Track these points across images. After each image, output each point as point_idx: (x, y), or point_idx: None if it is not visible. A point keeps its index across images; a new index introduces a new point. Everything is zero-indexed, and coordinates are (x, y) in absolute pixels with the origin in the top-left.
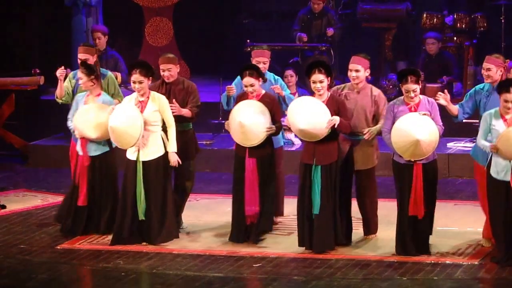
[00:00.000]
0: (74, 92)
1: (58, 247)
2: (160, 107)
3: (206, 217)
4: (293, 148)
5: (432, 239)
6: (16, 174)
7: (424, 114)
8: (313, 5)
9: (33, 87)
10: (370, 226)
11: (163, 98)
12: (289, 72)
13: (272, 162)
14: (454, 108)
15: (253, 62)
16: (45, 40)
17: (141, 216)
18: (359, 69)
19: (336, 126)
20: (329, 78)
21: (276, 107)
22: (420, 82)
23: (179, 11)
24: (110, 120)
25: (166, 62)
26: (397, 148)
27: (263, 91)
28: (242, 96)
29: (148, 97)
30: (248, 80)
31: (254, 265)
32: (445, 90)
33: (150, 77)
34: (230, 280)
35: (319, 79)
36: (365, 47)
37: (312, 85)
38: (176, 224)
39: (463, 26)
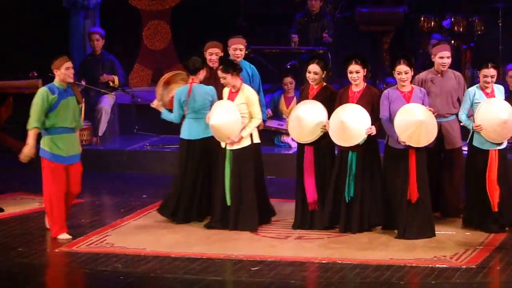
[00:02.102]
0: (54, 108)
1: (56, 250)
2: (248, 100)
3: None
4: (290, 152)
5: (430, 243)
6: (14, 177)
7: (430, 110)
8: (310, 2)
9: (31, 90)
10: (448, 208)
11: (251, 91)
12: (288, 80)
13: (331, 151)
14: None
15: (231, 49)
16: (43, 43)
17: (228, 202)
18: (449, 56)
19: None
20: (365, 70)
21: (335, 100)
22: (412, 68)
23: (176, 14)
24: (211, 118)
25: (214, 46)
26: (398, 127)
27: (324, 83)
28: (305, 88)
29: (238, 90)
30: (313, 67)
31: (251, 269)
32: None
33: (234, 73)
34: (228, 283)
35: (355, 69)
36: (363, 50)
37: (349, 75)
38: (257, 216)
39: (461, 29)
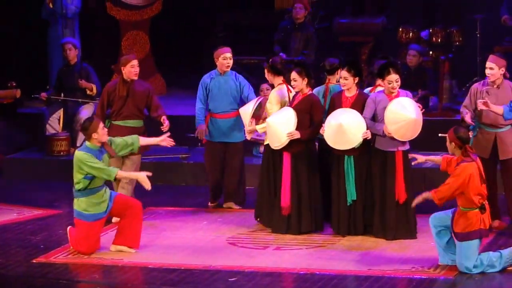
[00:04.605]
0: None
1: (34, 261)
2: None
3: (182, 231)
4: None
5: (408, 254)
6: None
7: (419, 106)
8: (294, 10)
9: (9, 100)
10: None
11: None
12: (265, 86)
13: (308, 157)
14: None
15: (220, 59)
16: (22, 53)
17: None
18: (493, 67)
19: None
20: (356, 78)
21: (315, 109)
22: (400, 74)
23: (155, 25)
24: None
25: (135, 58)
26: (388, 118)
27: (310, 92)
28: (293, 96)
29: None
30: (292, 74)
31: (229, 279)
32: (483, 97)
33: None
34: None
35: (343, 75)
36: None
37: (340, 80)
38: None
39: (439, 40)
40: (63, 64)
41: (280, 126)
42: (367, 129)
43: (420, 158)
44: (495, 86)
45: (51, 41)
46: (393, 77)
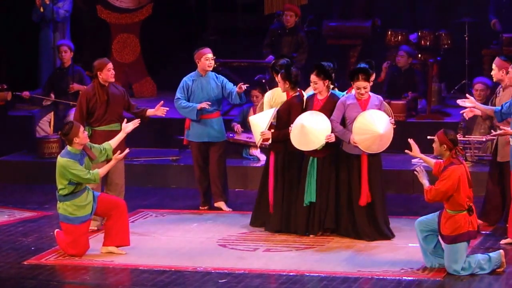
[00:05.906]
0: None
1: (25, 263)
2: None
3: (172, 232)
4: (258, 164)
5: (397, 255)
6: None
7: (391, 123)
8: (285, 17)
9: (0, 103)
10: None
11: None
12: (255, 93)
13: (287, 157)
14: (489, 109)
15: (203, 60)
16: (13, 56)
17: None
18: (493, 68)
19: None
20: (325, 81)
21: (292, 110)
22: (370, 80)
23: (146, 28)
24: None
25: (109, 61)
26: (355, 127)
27: (295, 94)
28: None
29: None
30: (277, 79)
31: (219, 281)
32: (467, 94)
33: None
34: None
35: (313, 80)
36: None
37: (310, 84)
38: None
39: (428, 43)
40: (55, 67)
41: (257, 125)
42: (333, 132)
43: (415, 151)
44: (502, 88)
45: (42, 44)
46: (361, 84)
